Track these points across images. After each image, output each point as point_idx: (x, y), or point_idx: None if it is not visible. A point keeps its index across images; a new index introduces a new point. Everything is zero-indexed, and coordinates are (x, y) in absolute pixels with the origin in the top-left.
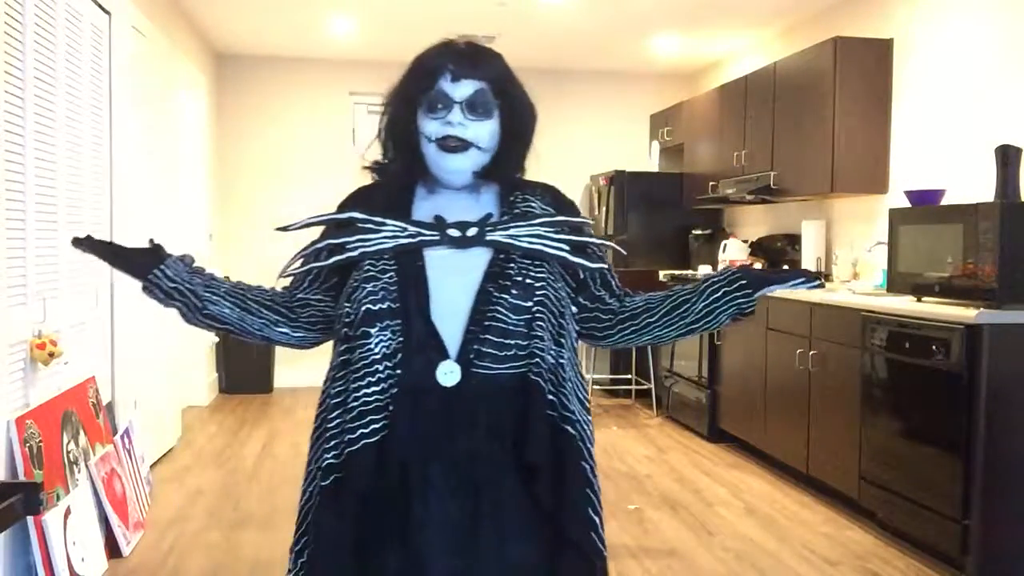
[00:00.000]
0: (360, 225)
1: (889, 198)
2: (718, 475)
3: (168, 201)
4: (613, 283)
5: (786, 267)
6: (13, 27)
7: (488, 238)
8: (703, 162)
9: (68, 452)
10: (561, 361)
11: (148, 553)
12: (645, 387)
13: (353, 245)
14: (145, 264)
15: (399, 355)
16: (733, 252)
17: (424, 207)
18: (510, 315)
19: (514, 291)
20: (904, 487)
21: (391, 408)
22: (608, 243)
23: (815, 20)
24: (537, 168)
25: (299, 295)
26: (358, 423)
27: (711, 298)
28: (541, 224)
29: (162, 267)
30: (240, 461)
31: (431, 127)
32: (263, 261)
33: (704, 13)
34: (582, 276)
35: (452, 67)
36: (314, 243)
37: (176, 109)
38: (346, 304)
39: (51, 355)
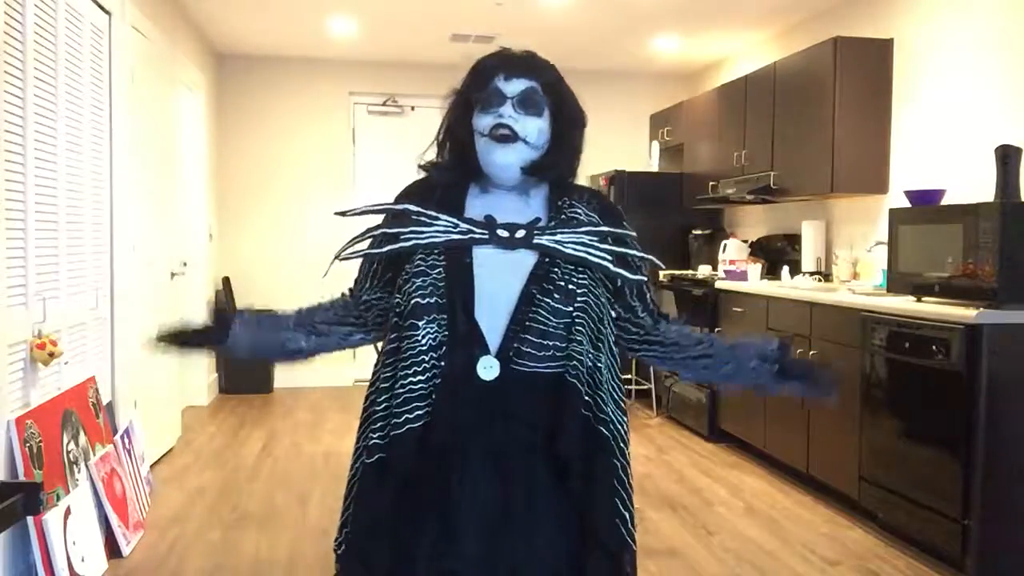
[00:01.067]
0: (414, 217)
1: (889, 198)
2: (718, 475)
3: (168, 201)
4: (648, 297)
5: (823, 368)
6: (13, 27)
7: (535, 241)
8: (703, 162)
9: (68, 452)
10: (598, 364)
11: (148, 553)
12: (645, 387)
13: (407, 236)
14: (218, 335)
15: (444, 347)
16: (733, 252)
17: (476, 205)
18: (551, 318)
19: (556, 295)
20: (904, 487)
21: (434, 396)
22: (649, 257)
23: (815, 20)
24: None
25: (363, 297)
26: (403, 408)
27: (740, 371)
28: (586, 232)
29: (231, 332)
30: (240, 461)
31: (484, 121)
32: (263, 261)
33: (704, 13)
34: (619, 284)
35: (506, 67)
36: (369, 229)
37: (176, 109)
38: (398, 295)
39: (51, 355)
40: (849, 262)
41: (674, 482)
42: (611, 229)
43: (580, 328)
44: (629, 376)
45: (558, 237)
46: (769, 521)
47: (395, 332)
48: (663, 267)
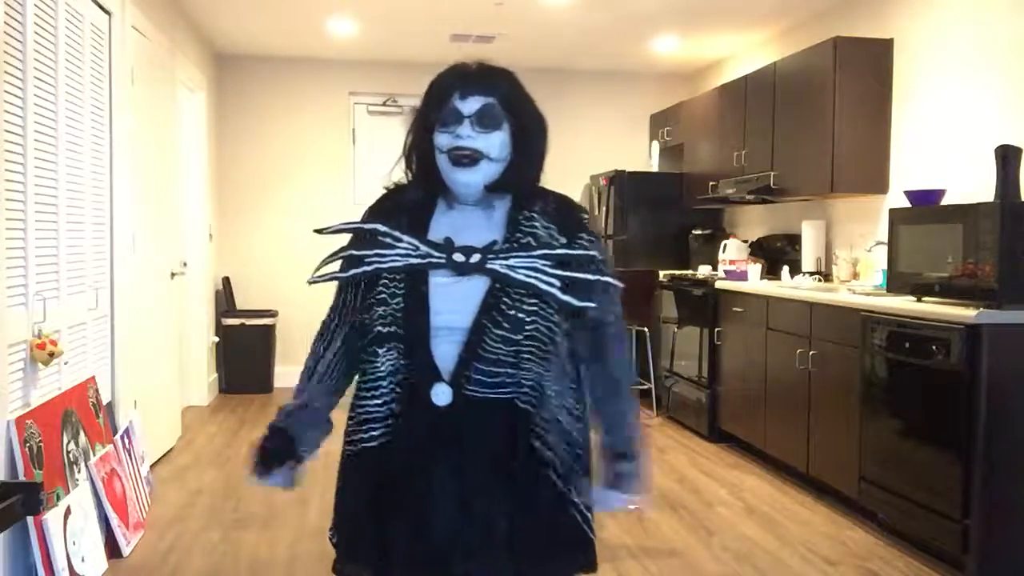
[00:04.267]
0: (380, 238)
1: (889, 198)
2: (718, 475)
3: (168, 201)
4: (596, 331)
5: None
6: (13, 27)
7: (488, 267)
8: (703, 162)
9: (68, 452)
10: (544, 382)
11: (148, 553)
12: (645, 387)
13: (370, 259)
14: (289, 460)
15: (399, 374)
16: (733, 252)
17: (442, 223)
18: (501, 346)
19: (506, 324)
20: (904, 487)
21: (390, 421)
22: (604, 279)
23: (815, 20)
24: None
25: (341, 323)
26: (360, 428)
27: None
28: (540, 256)
29: (297, 457)
30: (240, 461)
31: (443, 140)
32: (263, 261)
33: (704, 13)
34: (580, 304)
35: (461, 85)
36: (336, 253)
37: (176, 109)
38: (364, 317)
39: (51, 355)
40: (849, 262)
41: (674, 482)
42: (567, 252)
43: (528, 355)
44: None
45: (511, 262)
46: (769, 521)
47: (363, 354)
48: (622, 284)
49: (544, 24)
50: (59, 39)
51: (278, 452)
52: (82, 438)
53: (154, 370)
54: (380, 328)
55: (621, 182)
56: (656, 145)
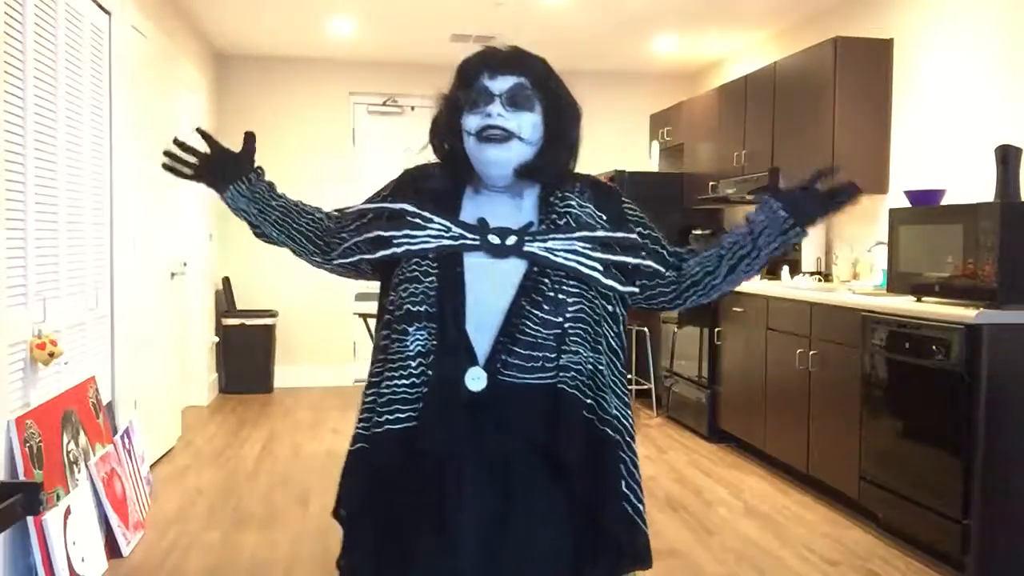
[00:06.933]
0: (409, 219)
1: (889, 198)
2: (718, 475)
3: (168, 201)
4: (666, 254)
5: (816, 183)
6: (13, 27)
7: (526, 249)
8: (703, 162)
9: (68, 452)
10: (599, 367)
11: (148, 553)
12: (645, 387)
13: (399, 240)
14: (226, 179)
15: (431, 356)
16: None
17: (469, 208)
18: (540, 329)
19: (546, 306)
20: (904, 487)
21: (420, 404)
22: (651, 234)
23: (815, 20)
24: None
25: (341, 233)
26: (385, 409)
27: (768, 247)
28: (580, 239)
29: (235, 186)
30: (240, 461)
31: (472, 122)
32: (263, 261)
33: (704, 13)
34: (631, 267)
35: (492, 65)
36: (368, 214)
37: (176, 109)
38: (391, 295)
39: (51, 355)
40: (849, 262)
41: (674, 482)
42: (609, 234)
43: (575, 338)
44: (629, 376)
45: (549, 244)
46: (769, 521)
47: (387, 330)
48: (662, 241)
49: (544, 24)
50: (59, 39)
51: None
52: (82, 438)
53: (154, 370)
54: (410, 307)
55: (621, 182)
56: (656, 145)
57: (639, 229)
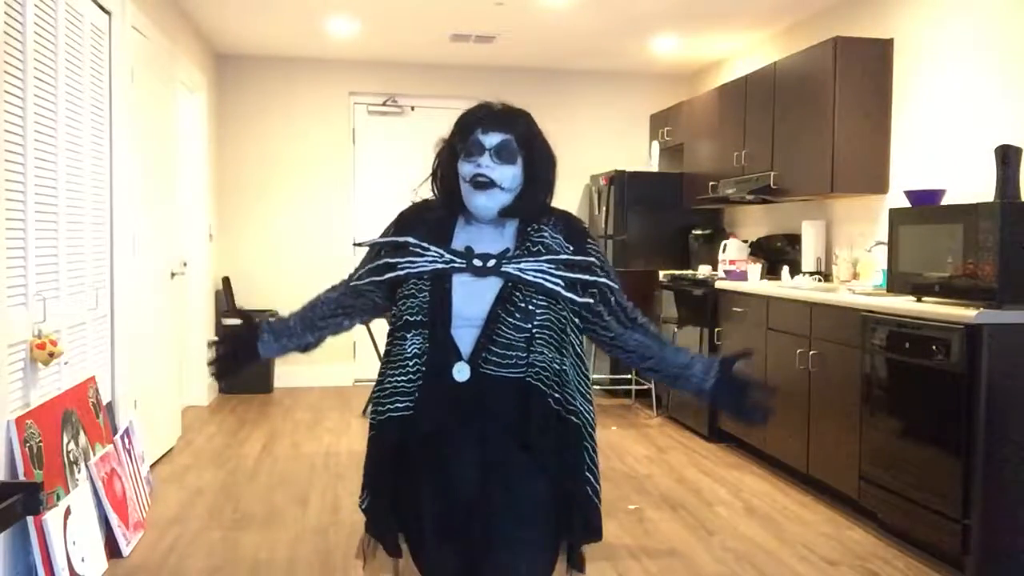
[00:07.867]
0: (411, 248)
1: (889, 198)
2: (718, 475)
3: (168, 201)
4: (614, 305)
5: (758, 393)
6: (13, 27)
7: (503, 269)
8: (703, 162)
9: (68, 452)
10: (564, 367)
11: (148, 553)
12: (645, 387)
13: (403, 266)
14: (251, 349)
15: (425, 355)
16: (733, 252)
17: (460, 235)
18: (513, 333)
19: (517, 315)
20: (904, 487)
21: (416, 394)
22: (602, 280)
23: (815, 20)
24: None
25: (358, 284)
26: (387, 401)
27: (681, 379)
28: (547, 260)
29: (261, 345)
30: (240, 461)
31: (466, 169)
32: (263, 261)
33: (704, 13)
34: (581, 300)
35: (485, 122)
36: (378, 248)
37: (176, 109)
38: (395, 308)
39: (51, 355)
40: (849, 262)
41: (674, 482)
42: (569, 257)
43: (541, 341)
44: (629, 376)
45: (522, 265)
46: (769, 521)
47: (390, 338)
48: (616, 285)
49: (544, 24)
50: (59, 39)
51: (236, 354)
52: (82, 438)
53: (154, 370)
54: (408, 317)
55: (621, 182)
56: (656, 145)
57: (593, 261)
